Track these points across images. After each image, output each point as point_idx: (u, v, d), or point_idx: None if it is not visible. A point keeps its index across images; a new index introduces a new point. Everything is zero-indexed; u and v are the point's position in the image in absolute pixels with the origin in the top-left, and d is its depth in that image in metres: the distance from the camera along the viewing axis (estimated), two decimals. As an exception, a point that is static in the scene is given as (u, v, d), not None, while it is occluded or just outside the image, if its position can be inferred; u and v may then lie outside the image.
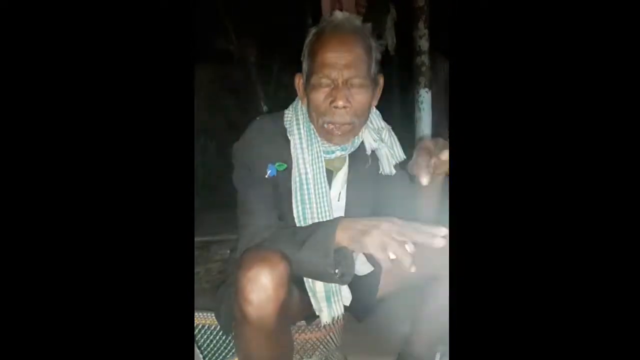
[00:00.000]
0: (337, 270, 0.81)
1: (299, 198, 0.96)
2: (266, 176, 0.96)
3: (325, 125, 0.96)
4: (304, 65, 0.99)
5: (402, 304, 1.12)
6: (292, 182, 0.97)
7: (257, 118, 1.04)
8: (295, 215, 0.96)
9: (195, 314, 1.29)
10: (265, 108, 4.07)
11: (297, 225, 0.95)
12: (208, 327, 1.27)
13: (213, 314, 1.21)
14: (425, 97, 2.78)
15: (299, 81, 1.01)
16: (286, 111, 1.04)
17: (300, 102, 1.03)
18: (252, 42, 4.21)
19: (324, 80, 0.92)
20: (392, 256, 0.74)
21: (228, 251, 2.43)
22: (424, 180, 0.78)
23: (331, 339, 1.17)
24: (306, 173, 0.97)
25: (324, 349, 1.17)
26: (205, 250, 2.49)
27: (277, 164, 0.97)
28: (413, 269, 0.72)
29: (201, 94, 3.94)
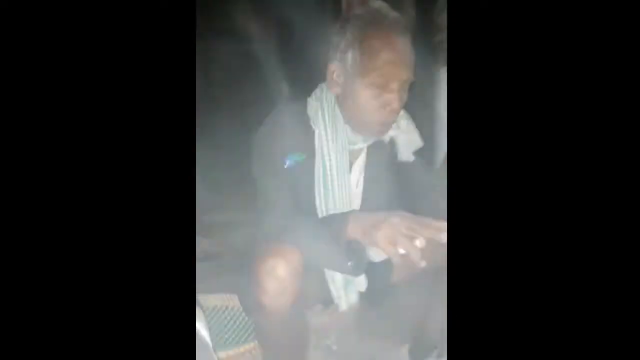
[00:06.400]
0: (350, 263, 0.84)
1: (322, 189, 0.98)
2: (285, 167, 0.97)
3: (367, 123, 0.95)
4: (349, 56, 0.94)
5: (417, 289, 1.15)
6: (316, 173, 0.98)
7: (279, 106, 1.04)
8: (318, 205, 0.98)
9: (219, 295, 1.35)
10: (285, 88, 4.04)
11: (319, 215, 0.98)
12: (231, 308, 1.33)
13: (236, 296, 1.27)
14: (443, 75, 2.75)
15: (334, 71, 0.97)
16: (310, 99, 1.03)
17: (326, 90, 1.01)
18: (270, 19, 4.17)
19: (381, 80, 0.91)
20: (402, 251, 0.76)
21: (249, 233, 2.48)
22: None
23: (347, 322, 1.22)
24: (330, 165, 0.97)
25: (340, 333, 1.22)
26: (229, 230, 2.53)
27: (296, 154, 0.98)
28: (423, 264, 0.74)
29: (217, 70, 3.93)
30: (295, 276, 0.82)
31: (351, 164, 1.03)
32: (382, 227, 0.78)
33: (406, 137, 1.04)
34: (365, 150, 1.04)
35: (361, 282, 1.07)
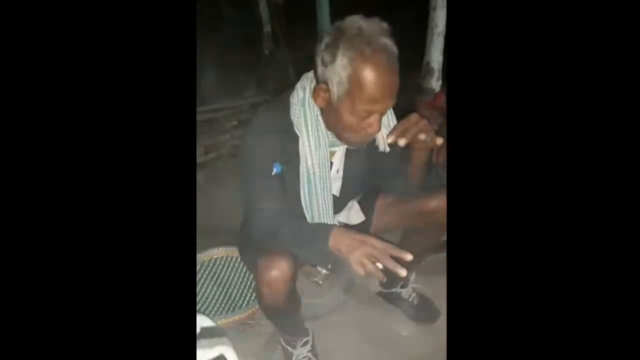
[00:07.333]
0: (329, 266, 1.01)
1: (306, 192, 1.08)
2: (272, 173, 1.03)
3: (348, 137, 1.00)
4: (335, 81, 0.92)
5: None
6: (300, 176, 1.07)
7: (263, 108, 1.06)
8: (303, 205, 1.10)
9: (219, 248, 1.54)
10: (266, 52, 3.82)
11: (305, 213, 1.11)
12: (232, 259, 1.54)
13: (236, 248, 1.46)
14: (440, 21, 2.48)
15: (320, 93, 0.97)
16: (292, 101, 1.03)
17: (308, 95, 1.01)
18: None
19: (365, 113, 0.94)
20: (368, 271, 0.91)
21: (235, 122, 2.51)
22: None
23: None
24: (314, 172, 1.06)
25: (326, 272, 1.47)
26: (214, 123, 2.57)
27: (281, 163, 1.04)
28: (385, 280, 0.91)
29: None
30: (287, 282, 1.00)
31: (331, 161, 1.10)
32: (354, 253, 0.91)
33: (386, 131, 1.07)
34: (345, 147, 1.10)
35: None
